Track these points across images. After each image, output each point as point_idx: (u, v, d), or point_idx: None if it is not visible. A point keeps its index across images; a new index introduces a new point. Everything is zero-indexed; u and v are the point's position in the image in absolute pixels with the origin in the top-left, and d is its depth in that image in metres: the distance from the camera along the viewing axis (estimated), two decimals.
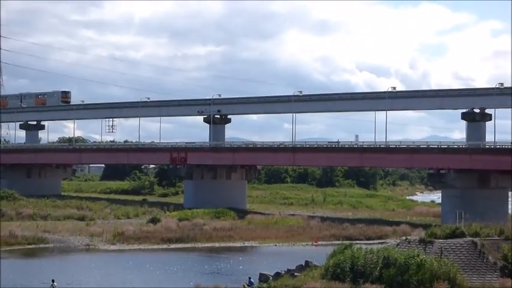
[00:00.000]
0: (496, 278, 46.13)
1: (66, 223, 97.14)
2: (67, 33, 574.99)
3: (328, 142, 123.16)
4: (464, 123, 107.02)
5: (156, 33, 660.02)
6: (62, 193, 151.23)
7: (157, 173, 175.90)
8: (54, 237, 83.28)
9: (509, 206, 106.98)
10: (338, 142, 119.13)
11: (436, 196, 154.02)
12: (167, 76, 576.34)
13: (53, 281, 48.91)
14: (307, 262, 55.38)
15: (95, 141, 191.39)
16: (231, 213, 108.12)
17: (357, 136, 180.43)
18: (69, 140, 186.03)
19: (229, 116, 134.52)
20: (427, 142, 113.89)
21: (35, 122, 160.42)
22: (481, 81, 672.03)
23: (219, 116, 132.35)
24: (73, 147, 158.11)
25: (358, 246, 51.81)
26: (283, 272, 53.79)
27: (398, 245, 51.15)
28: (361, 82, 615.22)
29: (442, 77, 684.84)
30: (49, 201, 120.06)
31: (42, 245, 78.60)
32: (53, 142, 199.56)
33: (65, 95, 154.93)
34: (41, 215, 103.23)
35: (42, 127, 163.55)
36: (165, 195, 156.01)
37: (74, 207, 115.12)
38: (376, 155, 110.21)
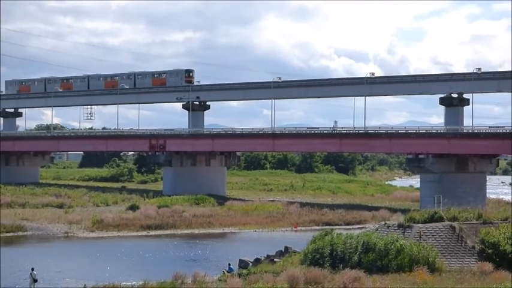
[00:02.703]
0: (474, 262, 46.45)
1: (44, 211, 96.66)
2: (44, 20, 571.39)
3: (307, 128, 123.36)
4: (442, 108, 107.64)
5: (134, 20, 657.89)
6: (40, 181, 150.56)
7: (136, 160, 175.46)
8: (32, 225, 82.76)
9: (487, 190, 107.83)
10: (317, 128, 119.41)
11: (415, 181, 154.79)
12: (146, 63, 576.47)
13: (32, 269, 48.55)
14: (286, 248, 55.55)
15: (73, 129, 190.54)
16: (210, 199, 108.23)
17: (335, 122, 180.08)
18: (47, 127, 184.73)
19: (208, 103, 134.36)
20: (405, 127, 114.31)
21: (12, 110, 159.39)
22: (459, 66, 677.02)
23: (198, 103, 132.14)
24: (51, 134, 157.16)
25: (338, 231, 51.96)
26: (262, 258, 53.87)
27: (377, 229, 51.33)
28: (340, 68, 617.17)
29: (420, 62, 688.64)
30: (27, 189, 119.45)
31: (20, 233, 78.08)
32: (31, 129, 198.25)
33: (189, 74, 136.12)
34: (19, 202, 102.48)
35: (20, 114, 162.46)
36: (144, 182, 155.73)
37: (52, 194, 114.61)
38: (355, 140, 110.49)
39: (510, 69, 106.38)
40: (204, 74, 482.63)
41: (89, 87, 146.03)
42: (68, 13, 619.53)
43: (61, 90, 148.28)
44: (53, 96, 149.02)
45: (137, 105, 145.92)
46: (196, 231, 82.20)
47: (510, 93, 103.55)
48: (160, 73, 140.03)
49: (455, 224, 49.58)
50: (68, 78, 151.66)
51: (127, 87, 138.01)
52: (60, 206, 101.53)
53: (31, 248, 70.53)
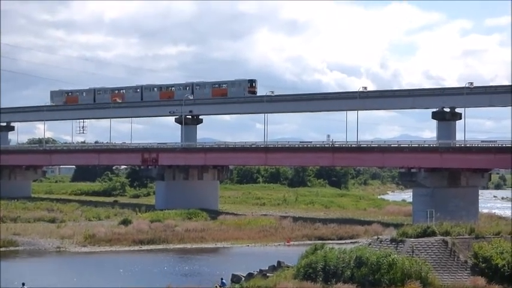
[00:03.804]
0: (466, 277, 46.41)
1: (36, 225, 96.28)
2: (36, 33, 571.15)
3: (300, 142, 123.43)
4: (434, 122, 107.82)
5: (126, 33, 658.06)
6: (32, 195, 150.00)
7: (129, 174, 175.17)
8: (24, 239, 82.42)
9: (480, 205, 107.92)
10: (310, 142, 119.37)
11: (407, 195, 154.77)
12: (138, 76, 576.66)
13: (23, 284, 48.42)
14: (279, 262, 55.38)
15: (65, 142, 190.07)
16: (203, 214, 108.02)
17: (328, 136, 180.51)
18: (40, 141, 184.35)
19: (201, 117, 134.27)
20: (398, 141, 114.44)
21: (4, 123, 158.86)
22: (451, 80, 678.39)
23: (190, 117, 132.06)
24: (43, 148, 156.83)
25: (331, 246, 51.91)
26: (255, 273, 53.71)
27: (370, 244, 51.26)
28: (332, 82, 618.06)
29: (412, 76, 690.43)
30: (19, 203, 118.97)
31: (12, 248, 77.68)
32: (23, 143, 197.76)
33: (252, 84, 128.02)
34: (11, 217, 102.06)
35: (12, 128, 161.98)
36: (136, 196, 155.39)
37: (44, 209, 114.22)
38: (348, 154, 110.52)
39: (502, 84, 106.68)
40: None
41: (142, 99, 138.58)
42: (60, 26, 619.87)
43: (111, 101, 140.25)
44: (45, 110, 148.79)
45: (130, 119, 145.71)
46: (188, 245, 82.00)
47: (502, 107, 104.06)
48: (220, 83, 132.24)
49: (447, 238, 49.56)
50: (119, 89, 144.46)
51: (191, 97, 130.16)
52: (52, 221, 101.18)
53: (23, 263, 70.18)
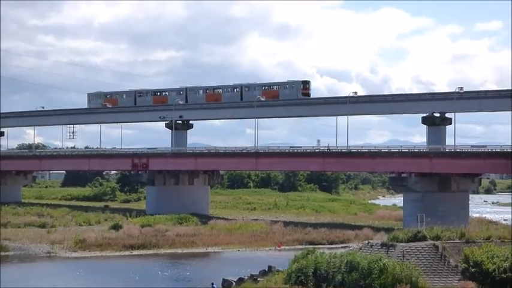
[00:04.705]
0: (457, 281, 46.55)
1: (26, 230, 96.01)
2: (26, 38, 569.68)
3: (290, 147, 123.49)
4: (424, 127, 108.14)
5: (116, 38, 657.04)
6: (22, 200, 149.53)
7: (119, 179, 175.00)
8: (14, 245, 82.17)
9: (470, 209, 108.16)
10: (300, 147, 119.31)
11: (398, 200, 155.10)
12: (128, 81, 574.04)
13: None
14: (270, 267, 55.45)
15: (55, 148, 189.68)
16: (193, 218, 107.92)
17: (318, 141, 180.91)
18: (29, 146, 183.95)
19: (191, 122, 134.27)
20: (388, 146, 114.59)
21: None
22: (441, 85, 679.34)
23: (181, 122, 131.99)
24: (33, 153, 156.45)
25: (321, 250, 51.99)
26: (246, 277, 53.76)
27: (360, 249, 51.38)
28: (323, 87, 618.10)
29: (402, 81, 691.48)
30: (9, 208, 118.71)
31: (2, 253, 77.29)
32: (13, 148, 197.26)
33: (305, 85, 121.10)
34: (1, 222, 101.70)
35: (2, 134, 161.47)
36: (127, 201, 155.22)
37: (34, 214, 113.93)
38: (338, 159, 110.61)
39: (492, 89, 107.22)
40: None
41: (187, 101, 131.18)
42: (50, 32, 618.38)
43: (153, 104, 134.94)
44: (35, 115, 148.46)
45: (120, 124, 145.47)
46: (179, 250, 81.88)
47: (492, 112, 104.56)
48: (270, 85, 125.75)
49: (438, 243, 49.70)
50: (161, 91, 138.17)
51: (236, 100, 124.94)
52: (43, 226, 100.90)
53: (13, 268, 69.93)
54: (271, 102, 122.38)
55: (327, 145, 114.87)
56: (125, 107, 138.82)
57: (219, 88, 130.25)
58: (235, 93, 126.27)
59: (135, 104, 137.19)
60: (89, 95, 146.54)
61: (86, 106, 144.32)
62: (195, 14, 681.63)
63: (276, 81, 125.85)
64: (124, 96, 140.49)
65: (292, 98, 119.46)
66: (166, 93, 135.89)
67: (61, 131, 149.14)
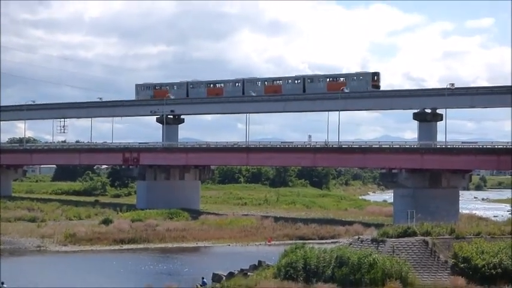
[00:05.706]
0: (446, 276, 46.69)
1: (16, 224, 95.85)
2: (16, 32, 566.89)
3: (282, 142, 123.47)
4: (415, 123, 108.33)
5: (106, 33, 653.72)
6: (13, 194, 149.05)
7: (110, 173, 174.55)
8: (4, 238, 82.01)
9: (460, 205, 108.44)
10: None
11: (388, 196, 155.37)
12: (119, 76, 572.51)
13: (2, 283, 48.15)
14: (260, 262, 55.49)
15: (46, 142, 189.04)
16: (184, 213, 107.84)
17: (310, 136, 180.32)
18: (20, 140, 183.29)
19: (182, 116, 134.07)
20: (379, 142, 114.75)
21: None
22: (432, 82, 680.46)
23: (172, 116, 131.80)
24: (24, 147, 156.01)
25: (311, 245, 52.04)
26: (236, 272, 53.76)
27: (351, 244, 51.46)
28: None
29: (393, 78, 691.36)
30: None
31: None
32: (4, 142, 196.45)
33: (375, 77, 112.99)
34: None
35: None
36: (117, 196, 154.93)
37: (24, 208, 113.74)
38: (329, 155, 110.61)
39: (483, 85, 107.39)
40: None
41: (243, 93, 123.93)
42: (40, 26, 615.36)
43: (207, 96, 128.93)
44: (25, 109, 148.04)
45: (111, 118, 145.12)
46: (169, 245, 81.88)
47: (483, 108, 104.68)
48: (336, 76, 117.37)
49: (428, 238, 49.83)
50: (215, 82, 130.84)
51: (298, 93, 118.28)
52: (33, 220, 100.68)
53: (2, 261, 69.72)
54: (263, 97, 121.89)
55: (324, 141, 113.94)
56: (114, 101, 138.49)
57: (279, 80, 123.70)
58: (296, 85, 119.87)
59: (187, 95, 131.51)
60: (137, 86, 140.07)
61: (77, 100, 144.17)
62: (186, 9, 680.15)
63: (343, 72, 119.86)
64: (175, 88, 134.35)
65: (361, 90, 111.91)
66: (222, 84, 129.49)
67: (52, 125, 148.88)
